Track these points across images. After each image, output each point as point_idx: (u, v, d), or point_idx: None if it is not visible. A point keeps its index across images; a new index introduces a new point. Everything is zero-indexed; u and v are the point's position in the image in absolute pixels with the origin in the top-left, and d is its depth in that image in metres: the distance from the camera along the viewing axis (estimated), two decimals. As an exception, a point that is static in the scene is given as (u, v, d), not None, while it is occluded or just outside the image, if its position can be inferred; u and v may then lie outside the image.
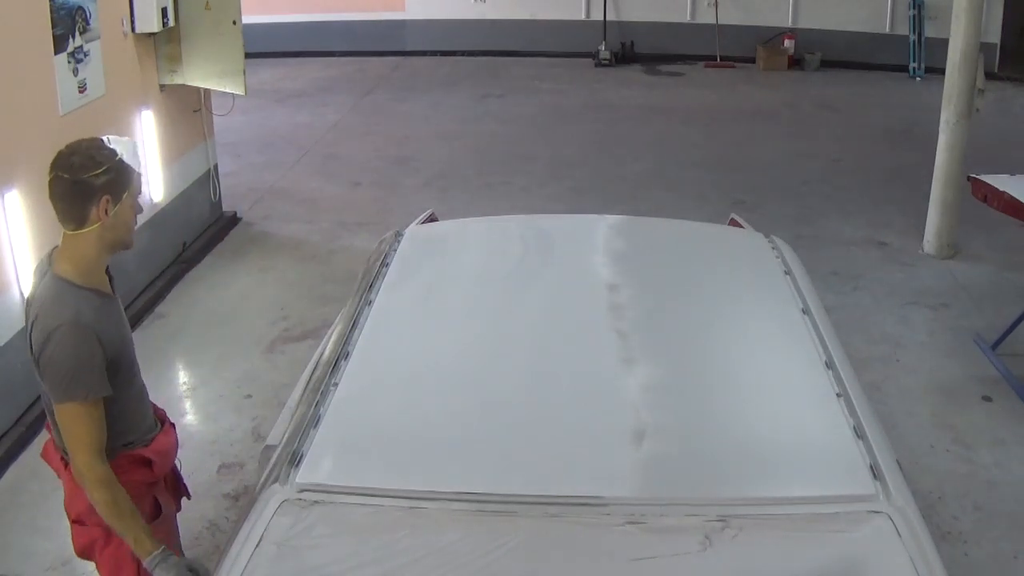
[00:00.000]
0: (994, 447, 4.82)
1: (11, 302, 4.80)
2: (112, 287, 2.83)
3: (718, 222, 4.44)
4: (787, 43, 13.17)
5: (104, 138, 2.68)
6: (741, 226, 4.16)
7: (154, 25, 6.06)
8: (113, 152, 2.65)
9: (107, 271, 2.83)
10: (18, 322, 4.78)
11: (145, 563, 2.62)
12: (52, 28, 5.05)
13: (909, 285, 6.64)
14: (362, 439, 2.41)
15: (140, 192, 2.77)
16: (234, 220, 7.67)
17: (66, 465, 2.81)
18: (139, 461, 2.85)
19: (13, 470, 4.56)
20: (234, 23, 6.45)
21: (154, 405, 3.05)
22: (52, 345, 2.59)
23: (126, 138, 2.75)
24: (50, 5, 5.01)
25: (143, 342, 5.92)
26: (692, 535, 2.05)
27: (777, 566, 2.02)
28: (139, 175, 2.74)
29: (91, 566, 2.98)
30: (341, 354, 2.70)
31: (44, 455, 2.97)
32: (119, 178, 2.65)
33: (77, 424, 2.63)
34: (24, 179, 4.76)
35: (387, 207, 7.99)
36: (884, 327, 6.04)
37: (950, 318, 6.17)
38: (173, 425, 3.09)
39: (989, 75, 8.61)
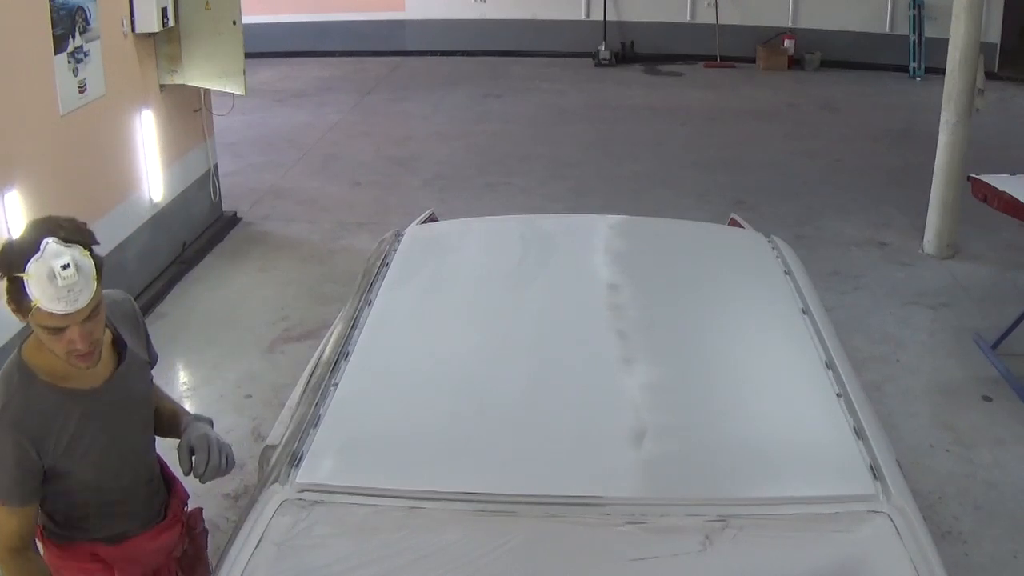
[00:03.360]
0: (994, 447, 4.82)
1: (11, 302, 4.79)
2: (120, 369, 2.49)
3: (718, 222, 4.43)
4: (787, 43, 13.16)
5: (45, 242, 2.17)
6: (741, 226, 4.16)
7: (154, 25, 6.06)
8: (20, 267, 2.16)
9: (117, 344, 2.49)
10: (16, 325, 4.78)
11: None
12: (52, 28, 5.05)
13: (909, 285, 6.64)
14: (362, 439, 2.40)
15: (56, 328, 2.23)
16: (234, 220, 7.67)
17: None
18: (95, 556, 2.58)
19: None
20: (234, 23, 6.45)
21: (177, 496, 2.77)
22: None
23: (59, 262, 2.16)
24: (50, 5, 5.01)
25: (143, 342, 5.96)
26: (692, 535, 2.05)
27: (777, 566, 2.02)
28: (49, 312, 2.18)
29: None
30: (341, 354, 2.70)
31: None
32: (17, 295, 2.20)
33: None
34: (24, 179, 4.76)
35: (387, 207, 7.99)
36: (884, 327, 6.04)
37: (950, 318, 6.17)
38: (183, 523, 2.76)
39: (989, 75, 8.60)
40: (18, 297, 2.20)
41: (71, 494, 2.49)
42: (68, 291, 2.18)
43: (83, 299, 2.22)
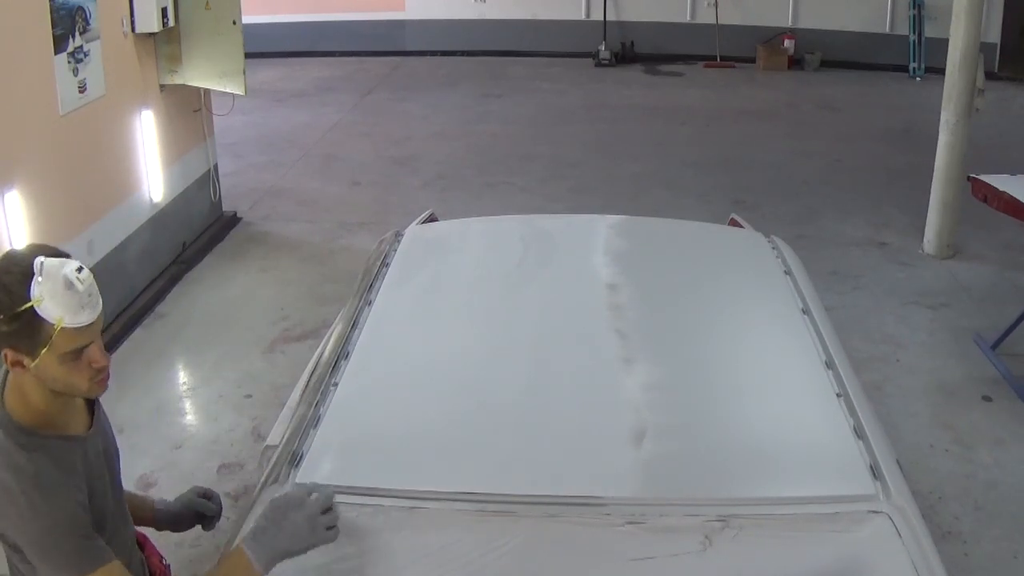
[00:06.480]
0: (994, 447, 4.82)
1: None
2: (93, 416, 2.22)
3: (718, 222, 4.43)
4: (787, 43, 13.16)
5: (39, 261, 1.93)
6: (741, 226, 4.16)
7: (154, 25, 6.06)
8: (22, 297, 1.91)
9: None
10: None
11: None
12: (52, 28, 5.05)
13: (909, 285, 6.64)
14: (362, 439, 2.41)
15: (81, 347, 1.99)
16: (234, 220, 7.67)
17: None
18: None
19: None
20: (234, 23, 6.45)
21: (149, 548, 2.53)
22: (17, 519, 2.00)
23: (70, 267, 1.95)
24: (50, 5, 5.01)
25: (143, 342, 6.01)
26: (692, 535, 2.05)
27: (777, 566, 2.02)
28: (75, 328, 1.96)
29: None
30: (341, 354, 2.70)
31: None
32: (26, 332, 1.94)
33: None
34: (24, 179, 4.76)
35: (387, 207, 7.98)
36: (884, 327, 6.04)
37: (950, 318, 6.17)
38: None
39: (989, 75, 8.60)
40: (31, 332, 1.94)
41: None
42: (89, 296, 1.98)
43: (100, 302, 2.02)
